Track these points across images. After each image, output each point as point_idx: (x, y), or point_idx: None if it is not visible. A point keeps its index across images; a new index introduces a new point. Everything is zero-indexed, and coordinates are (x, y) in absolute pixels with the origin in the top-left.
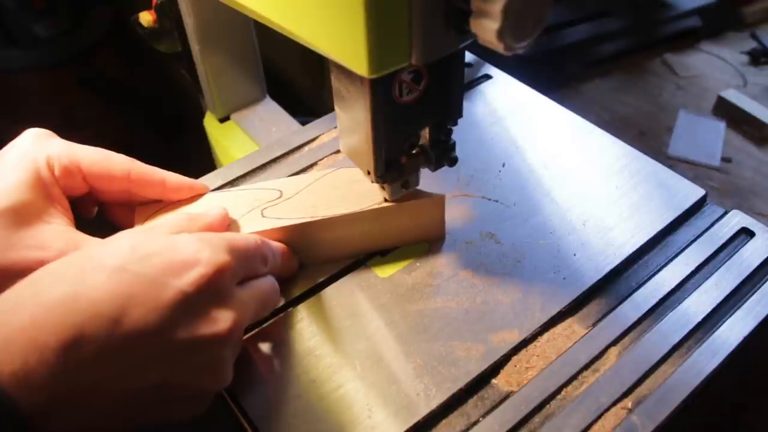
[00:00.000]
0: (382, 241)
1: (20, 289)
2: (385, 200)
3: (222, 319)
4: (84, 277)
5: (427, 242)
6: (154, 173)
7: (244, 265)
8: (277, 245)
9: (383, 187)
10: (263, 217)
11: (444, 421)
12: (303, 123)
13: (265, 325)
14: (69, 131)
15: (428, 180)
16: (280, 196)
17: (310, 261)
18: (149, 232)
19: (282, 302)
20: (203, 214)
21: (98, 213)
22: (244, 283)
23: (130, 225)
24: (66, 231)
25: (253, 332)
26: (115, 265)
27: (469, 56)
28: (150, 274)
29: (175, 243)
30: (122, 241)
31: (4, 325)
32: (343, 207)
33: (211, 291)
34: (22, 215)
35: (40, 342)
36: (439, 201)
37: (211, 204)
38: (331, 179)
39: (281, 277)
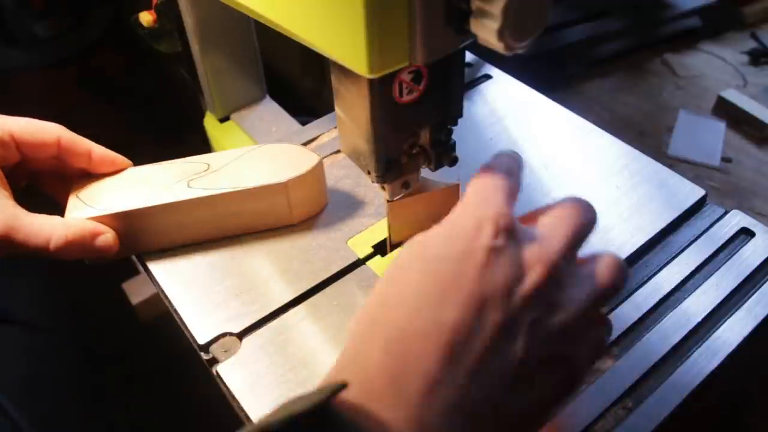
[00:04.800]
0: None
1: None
2: (387, 201)
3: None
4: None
5: None
6: (82, 142)
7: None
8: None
9: (383, 188)
10: (189, 188)
11: None
12: (303, 123)
13: (265, 325)
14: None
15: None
16: (207, 169)
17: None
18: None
19: (282, 302)
20: None
21: (30, 187)
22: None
23: (62, 195)
24: (6, 205)
25: (253, 332)
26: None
27: (469, 56)
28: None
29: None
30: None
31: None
32: (269, 178)
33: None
34: None
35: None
36: (455, 189)
37: (139, 175)
38: (262, 152)
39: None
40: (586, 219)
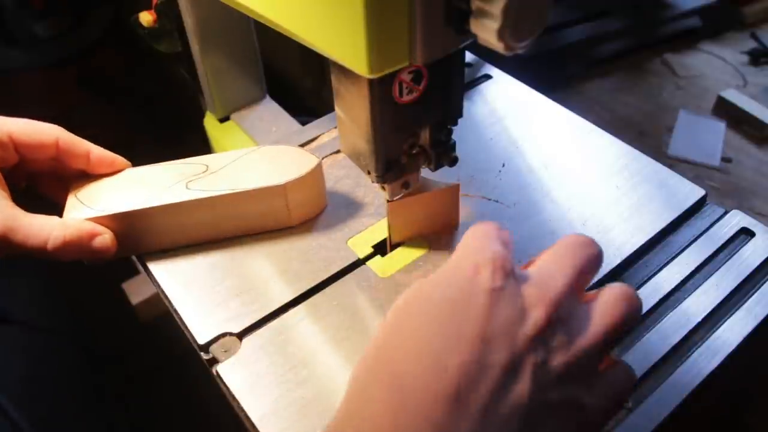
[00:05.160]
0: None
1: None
2: (387, 201)
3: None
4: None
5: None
6: (80, 143)
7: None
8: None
9: (383, 188)
10: (188, 189)
11: None
12: (303, 123)
13: (265, 325)
14: (69, 131)
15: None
16: (206, 170)
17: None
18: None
19: (282, 302)
20: None
21: (29, 188)
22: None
23: (60, 196)
24: (5, 206)
25: (253, 332)
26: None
27: (469, 56)
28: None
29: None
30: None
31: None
32: (268, 180)
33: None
34: None
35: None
36: (455, 189)
37: (137, 175)
38: (261, 153)
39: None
40: (588, 255)
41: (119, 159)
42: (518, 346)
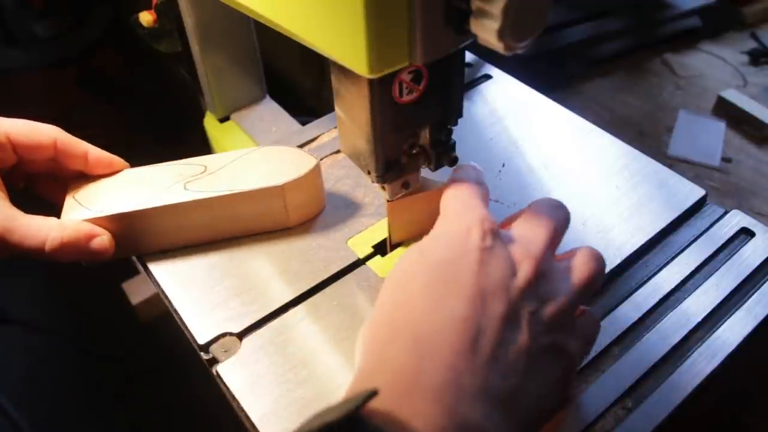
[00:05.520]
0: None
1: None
2: (387, 201)
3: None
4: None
5: None
6: (78, 144)
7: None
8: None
9: (383, 188)
10: (186, 190)
11: None
12: (303, 123)
13: (265, 325)
14: (69, 131)
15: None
16: (204, 171)
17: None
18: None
19: (282, 302)
20: None
21: (27, 189)
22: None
23: (58, 198)
24: (2, 207)
25: (253, 332)
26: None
27: (469, 56)
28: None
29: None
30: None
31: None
32: (265, 181)
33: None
34: None
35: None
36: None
37: (135, 176)
38: (259, 154)
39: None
40: (560, 217)
41: (117, 160)
42: (513, 297)
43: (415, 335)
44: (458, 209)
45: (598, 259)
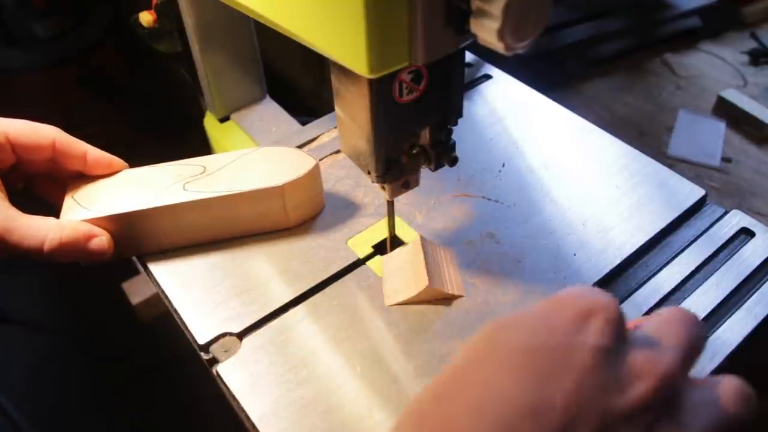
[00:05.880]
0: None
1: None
2: (387, 201)
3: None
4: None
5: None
6: (77, 144)
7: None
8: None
9: (383, 188)
10: (185, 190)
11: None
12: (303, 123)
13: (265, 325)
14: (69, 131)
15: (428, 180)
16: (203, 172)
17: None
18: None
19: (282, 302)
20: None
21: (26, 189)
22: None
23: (56, 198)
24: (1, 207)
25: (253, 332)
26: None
27: (469, 56)
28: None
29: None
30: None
31: None
32: (265, 182)
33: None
34: None
35: None
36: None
37: (135, 177)
38: (258, 155)
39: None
40: (697, 332)
41: (116, 160)
42: (609, 419)
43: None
44: (576, 291)
45: (745, 397)
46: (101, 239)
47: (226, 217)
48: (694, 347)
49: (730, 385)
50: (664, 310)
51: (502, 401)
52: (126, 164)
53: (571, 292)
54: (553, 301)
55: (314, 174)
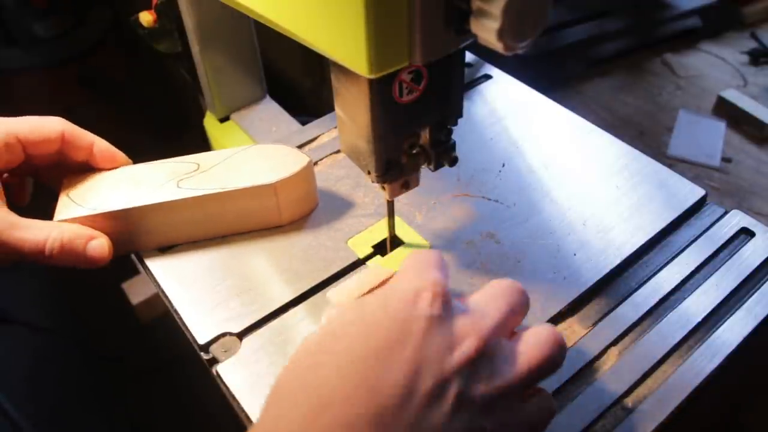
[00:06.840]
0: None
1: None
2: (387, 201)
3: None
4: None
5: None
6: (85, 135)
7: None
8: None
9: (383, 188)
10: (178, 188)
11: None
12: (303, 123)
13: (265, 325)
14: None
15: (428, 180)
16: (197, 169)
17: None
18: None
19: (282, 302)
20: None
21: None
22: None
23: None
24: (1, 212)
25: (253, 332)
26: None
27: (469, 56)
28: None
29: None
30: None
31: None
32: (257, 179)
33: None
34: None
35: None
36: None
37: (129, 174)
38: (252, 152)
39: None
40: (519, 299)
41: (120, 155)
42: (445, 373)
43: (321, 393)
44: (413, 271)
45: (555, 343)
46: (101, 243)
47: (220, 214)
48: (514, 310)
49: (543, 334)
50: (491, 283)
51: (359, 364)
52: (129, 160)
53: (407, 275)
54: (394, 282)
55: (307, 171)
